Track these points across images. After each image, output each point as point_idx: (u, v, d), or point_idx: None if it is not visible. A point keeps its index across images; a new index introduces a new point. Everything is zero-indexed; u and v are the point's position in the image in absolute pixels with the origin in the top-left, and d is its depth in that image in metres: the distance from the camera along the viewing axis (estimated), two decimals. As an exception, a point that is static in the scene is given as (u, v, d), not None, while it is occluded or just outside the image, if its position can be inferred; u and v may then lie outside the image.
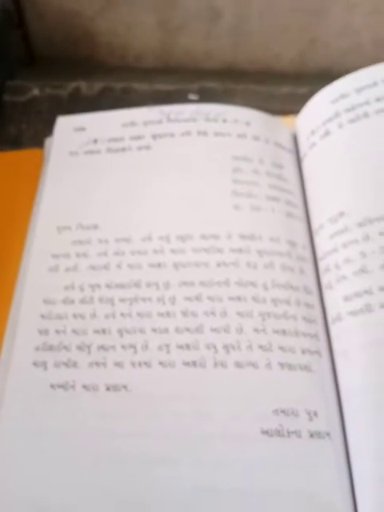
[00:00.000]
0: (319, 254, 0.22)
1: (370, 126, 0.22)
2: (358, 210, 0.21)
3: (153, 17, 0.33)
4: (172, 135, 0.24)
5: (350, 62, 0.34)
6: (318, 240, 0.22)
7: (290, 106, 0.29)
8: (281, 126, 0.25)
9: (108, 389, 0.18)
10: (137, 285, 0.20)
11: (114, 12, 0.33)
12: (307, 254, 0.22)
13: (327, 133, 0.23)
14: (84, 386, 0.19)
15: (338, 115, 0.23)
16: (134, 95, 0.31)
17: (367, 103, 0.23)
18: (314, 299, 0.21)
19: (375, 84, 0.23)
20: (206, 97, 0.31)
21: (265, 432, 0.17)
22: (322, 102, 0.24)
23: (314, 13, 0.32)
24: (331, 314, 0.20)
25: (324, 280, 0.21)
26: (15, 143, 0.29)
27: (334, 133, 0.23)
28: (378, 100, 0.23)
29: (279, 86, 0.32)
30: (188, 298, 0.20)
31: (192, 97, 0.31)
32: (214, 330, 0.19)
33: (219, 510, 0.16)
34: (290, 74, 0.35)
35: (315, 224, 0.22)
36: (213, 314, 0.20)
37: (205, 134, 0.24)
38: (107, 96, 0.31)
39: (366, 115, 0.22)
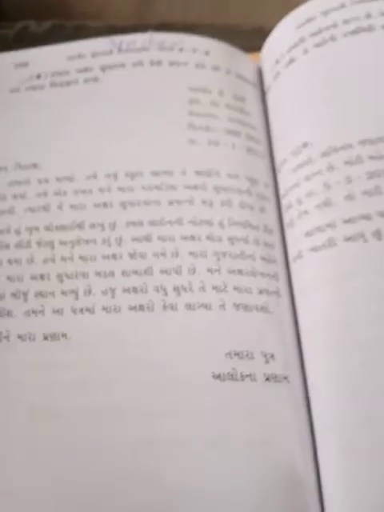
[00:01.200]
0: (281, 191, 0.20)
1: (337, 49, 0.20)
2: (322, 139, 0.19)
3: None
4: (123, 66, 0.22)
5: None
6: (280, 177, 0.20)
7: (255, 42, 0.27)
8: (244, 58, 0.23)
9: (45, 338, 0.17)
10: (80, 226, 0.18)
11: None
12: (269, 192, 0.20)
13: (292, 60, 0.21)
14: (19, 336, 0.17)
15: (302, 40, 0.21)
16: (86, 32, 0.28)
17: (334, 26, 0.20)
18: (274, 239, 0.19)
19: (343, 5, 0.21)
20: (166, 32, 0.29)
21: (216, 376, 0.16)
22: (287, 29, 0.22)
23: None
24: (292, 252, 0.18)
25: (286, 218, 0.19)
26: None
27: (298, 59, 0.21)
28: (345, 22, 0.20)
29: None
30: (136, 239, 0.18)
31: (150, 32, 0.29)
32: (164, 271, 0.17)
33: (165, 462, 0.15)
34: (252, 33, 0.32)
35: (278, 160, 0.20)
36: (163, 254, 0.18)
37: (159, 63, 0.22)
38: (57, 34, 0.28)
39: (332, 38, 0.20)
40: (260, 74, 0.23)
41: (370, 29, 0.20)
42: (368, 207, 0.17)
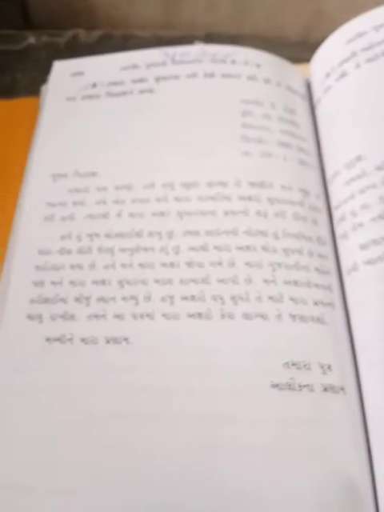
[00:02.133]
0: (334, 202, 0.20)
1: None
2: (376, 152, 0.19)
3: None
4: (177, 77, 0.22)
5: None
6: (332, 188, 0.20)
7: (301, 53, 0.27)
8: (293, 70, 0.23)
9: (108, 342, 0.17)
10: (138, 234, 0.19)
11: None
12: (321, 203, 0.20)
13: (343, 74, 0.21)
14: (82, 340, 0.17)
15: (354, 54, 0.21)
16: (134, 42, 0.29)
17: None
18: (327, 250, 0.19)
19: None
20: (213, 43, 0.29)
21: (275, 386, 0.16)
22: (338, 43, 0.22)
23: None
24: (346, 264, 0.19)
25: (339, 229, 0.19)
26: (9, 93, 0.28)
27: (350, 73, 0.21)
28: None
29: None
30: (193, 248, 0.19)
31: (199, 43, 0.29)
32: (221, 280, 0.18)
33: (224, 468, 0.15)
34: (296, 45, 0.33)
35: (330, 172, 0.21)
36: (220, 264, 0.18)
37: (212, 75, 0.22)
38: (107, 43, 0.29)
39: (376, 57, 0.21)
40: (308, 86, 0.24)
41: None
42: None
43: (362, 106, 0.20)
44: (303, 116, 0.22)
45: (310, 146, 0.22)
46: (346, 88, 0.21)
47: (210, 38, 0.29)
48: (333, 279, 0.19)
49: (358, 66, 0.21)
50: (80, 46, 0.29)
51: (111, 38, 0.29)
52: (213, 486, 0.15)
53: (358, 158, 0.19)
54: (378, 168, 0.19)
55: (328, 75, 0.22)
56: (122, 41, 0.29)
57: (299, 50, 0.28)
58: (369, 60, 0.21)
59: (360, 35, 0.22)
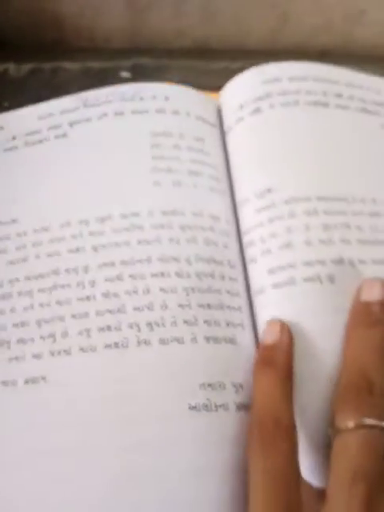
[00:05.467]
0: (243, 227, 0.21)
1: (301, 114, 0.22)
2: (285, 188, 0.20)
3: None
4: (89, 120, 0.23)
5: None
6: (242, 214, 0.21)
7: (224, 81, 0.29)
8: (204, 99, 0.25)
9: (27, 382, 0.17)
10: (55, 272, 0.19)
11: None
12: (231, 228, 0.21)
13: (257, 110, 0.23)
14: (3, 382, 0.18)
15: (269, 96, 0.23)
16: (63, 75, 0.30)
17: (298, 93, 0.23)
18: (237, 273, 0.20)
19: (305, 78, 0.23)
20: (139, 73, 0.30)
21: (192, 408, 0.16)
22: (254, 80, 0.24)
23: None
24: (255, 286, 0.19)
25: (248, 253, 0.20)
26: None
27: (265, 111, 0.22)
28: (308, 93, 0.23)
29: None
30: (109, 279, 0.19)
31: (124, 74, 0.30)
32: (136, 308, 0.18)
33: (144, 495, 0.15)
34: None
35: (240, 198, 0.22)
36: (135, 292, 0.19)
37: (121, 113, 0.23)
38: (36, 78, 0.30)
39: (296, 103, 0.23)
40: (220, 113, 0.25)
41: (326, 105, 0.23)
42: (323, 254, 0.18)
43: (275, 143, 0.22)
44: (213, 144, 0.23)
45: (220, 172, 0.23)
46: (259, 123, 0.22)
47: (136, 68, 0.31)
48: (242, 301, 0.19)
49: (272, 106, 0.23)
50: (9, 80, 0.30)
51: (41, 71, 0.30)
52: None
53: (269, 190, 0.20)
54: (286, 202, 0.20)
55: (241, 107, 0.23)
56: (50, 75, 0.30)
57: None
58: (283, 105, 0.23)
59: (277, 80, 0.23)
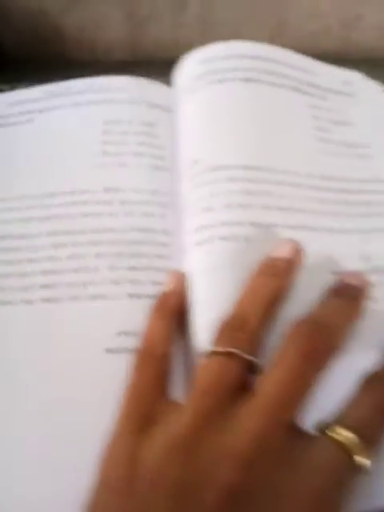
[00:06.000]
0: (180, 196, 0.24)
1: (231, 91, 0.25)
2: (210, 158, 0.23)
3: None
4: (52, 109, 0.27)
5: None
6: (180, 184, 0.24)
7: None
8: (158, 87, 0.27)
9: None
10: (10, 237, 0.23)
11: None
12: (170, 200, 0.24)
13: (193, 90, 0.25)
14: None
15: (203, 75, 0.26)
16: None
17: (229, 71, 0.25)
18: (171, 239, 0.23)
19: (239, 57, 0.26)
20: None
21: (109, 350, 0.19)
22: (191, 62, 0.26)
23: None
24: (182, 246, 0.22)
25: (181, 218, 0.23)
26: None
27: (199, 90, 0.25)
28: (240, 70, 0.25)
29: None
30: (53, 246, 0.22)
31: None
32: (73, 270, 0.21)
33: (68, 422, 0.18)
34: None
35: (179, 170, 0.24)
36: (73, 257, 0.22)
37: (78, 105, 0.26)
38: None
39: (227, 80, 0.25)
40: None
41: (257, 81, 0.25)
42: (241, 217, 0.21)
43: (203, 118, 0.25)
44: (163, 127, 0.26)
45: (167, 151, 0.25)
46: (193, 102, 0.25)
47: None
48: (174, 263, 0.22)
49: (205, 85, 0.25)
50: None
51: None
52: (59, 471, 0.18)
53: (196, 161, 0.23)
54: (211, 169, 0.23)
55: (181, 89, 0.26)
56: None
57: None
58: (215, 82, 0.25)
59: (211, 60, 0.26)
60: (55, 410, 0.19)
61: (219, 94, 0.25)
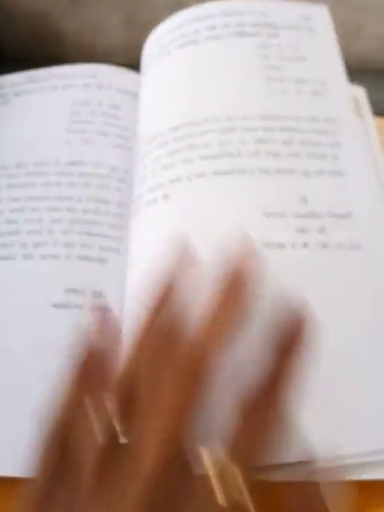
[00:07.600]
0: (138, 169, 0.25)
1: (171, 61, 0.26)
2: (145, 130, 0.25)
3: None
4: (29, 92, 0.29)
5: None
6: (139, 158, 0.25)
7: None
8: (129, 75, 0.29)
9: None
10: None
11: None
12: (129, 176, 0.25)
13: (144, 69, 0.27)
14: None
15: (150, 52, 0.27)
16: None
17: (170, 43, 0.26)
18: (126, 211, 0.24)
19: (180, 25, 0.27)
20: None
21: (55, 305, 0.21)
22: (148, 41, 0.28)
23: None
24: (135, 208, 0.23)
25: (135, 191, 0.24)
26: None
27: (147, 68, 0.27)
28: (179, 37, 0.26)
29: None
30: (13, 210, 0.24)
31: None
32: (28, 232, 0.23)
33: (13, 367, 0.20)
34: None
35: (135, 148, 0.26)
36: (30, 221, 0.23)
37: (55, 88, 0.28)
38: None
39: (168, 53, 0.27)
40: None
41: (195, 42, 0.26)
42: (162, 178, 0.22)
43: (145, 94, 0.27)
44: (131, 110, 0.28)
45: (131, 131, 0.27)
46: (146, 80, 0.27)
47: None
48: (125, 233, 0.23)
49: (150, 60, 0.27)
50: None
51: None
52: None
53: (136, 135, 0.25)
54: (146, 141, 0.24)
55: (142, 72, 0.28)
56: None
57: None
58: (158, 57, 0.26)
59: (157, 38, 0.27)
60: (1, 356, 0.20)
61: (163, 67, 0.26)
